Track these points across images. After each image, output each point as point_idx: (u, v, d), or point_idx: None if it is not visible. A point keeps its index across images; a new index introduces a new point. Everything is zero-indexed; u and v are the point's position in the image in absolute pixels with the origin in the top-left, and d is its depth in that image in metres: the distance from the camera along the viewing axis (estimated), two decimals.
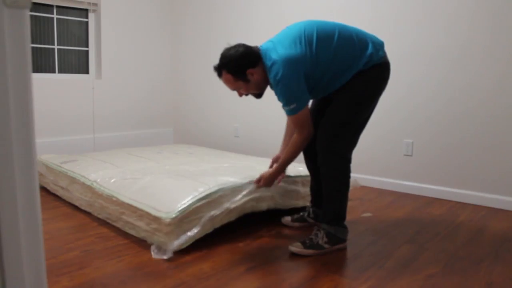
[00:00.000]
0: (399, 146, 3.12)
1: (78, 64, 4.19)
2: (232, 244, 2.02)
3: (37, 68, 3.90)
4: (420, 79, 2.98)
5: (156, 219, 1.93)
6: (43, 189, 2.94)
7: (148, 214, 1.97)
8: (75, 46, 4.13)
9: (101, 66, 4.20)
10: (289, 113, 1.91)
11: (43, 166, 2.93)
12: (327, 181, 1.96)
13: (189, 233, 1.91)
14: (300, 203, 2.42)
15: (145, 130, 4.63)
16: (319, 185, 2.15)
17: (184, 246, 1.89)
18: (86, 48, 4.21)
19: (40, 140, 3.71)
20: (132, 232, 2.09)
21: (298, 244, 1.93)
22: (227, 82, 2.00)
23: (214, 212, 2.00)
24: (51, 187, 2.84)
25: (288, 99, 1.86)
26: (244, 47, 1.95)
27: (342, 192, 1.97)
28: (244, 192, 2.14)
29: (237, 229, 2.19)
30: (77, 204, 2.54)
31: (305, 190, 2.45)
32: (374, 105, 1.99)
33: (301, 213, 2.34)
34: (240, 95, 2.05)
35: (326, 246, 1.93)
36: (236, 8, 4.12)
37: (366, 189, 3.16)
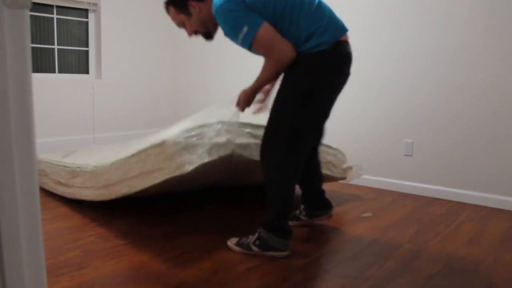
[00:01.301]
0: (399, 146, 3.12)
1: (78, 64, 4.18)
2: None
3: (37, 68, 3.90)
4: (420, 79, 2.98)
5: (161, 144, 1.93)
6: (43, 189, 2.93)
7: (153, 147, 1.97)
8: (75, 46, 4.13)
9: (101, 66, 4.20)
10: (247, 42, 1.69)
11: (43, 165, 2.93)
12: (267, 182, 1.85)
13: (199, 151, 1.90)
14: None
15: (145, 130, 4.63)
16: (308, 181, 2.15)
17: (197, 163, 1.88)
18: (86, 48, 4.21)
19: (40, 140, 3.71)
20: (148, 183, 2.03)
21: (236, 239, 1.94)
22: (172, 17, 1.91)
23: (218, 139, 1.98)
24: (51, 186, 2.84)
25: (235, 26, 1.69)
26: None
27: (278, 197, 1.83)
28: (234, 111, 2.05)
29: (237, 229, 2.19)
30: (80, 197, 2.51)
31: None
32: (320, 102, 1.80)
33: (294, 212, 2.30)
34: (189, 34, 1.92)
35: (254, 249, 1.86)
36: None
37: (366, 189, 3.16)
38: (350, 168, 2.78)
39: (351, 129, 3.34)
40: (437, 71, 2.90)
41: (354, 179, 2.84)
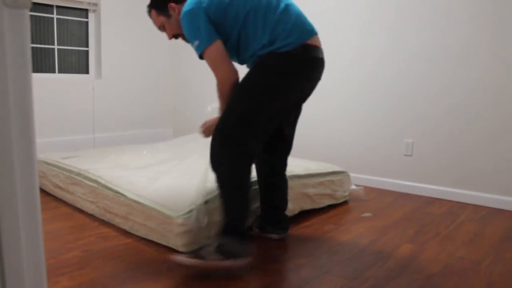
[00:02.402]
0: (399, 146, 3.12)
1: (78, 64, 4.18)
2: None
3: (37, 68, 3.90)
4: (420, 79, 2.98)
5: (167, 218, 1.90)
6: (42, 189, 2.93)
7: (159, 212, 1.94)
8: (75, 46, 4.13)
9: (101, 66, 4.20)
10: (197, 51, 1.73)
11: (41, 166, 2.92)
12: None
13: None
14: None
15: (145, 130, 4.63)
16: (269, 199, 2.03)
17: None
18: (86, 48, 4.20)
19: (40, 140, 3.71)
20: (140, 233, 2.06)
21: (184, 254, 1.71)
22: (153, 21, 1.92)
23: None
24: (51, 189, 2.83)
25: (190, 36, 1.72)
26: None
27: (230, 197, 1.71)
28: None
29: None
30: (81, 208, 2.50)
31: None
32: (280, 104, 1.73)
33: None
34: (169, 36, 1.93)
35: (213, 257, 1.64)
36: None
37: (366, 189, 3.16)
38: (354, 191, 2.80)
39: (351, 129, 3.34)
40: (438, 71, 2.90)
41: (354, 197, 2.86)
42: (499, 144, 2.69)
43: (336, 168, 2.73)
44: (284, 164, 2.06)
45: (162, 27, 1.92)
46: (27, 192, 0.63)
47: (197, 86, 4.61)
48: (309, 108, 3.55)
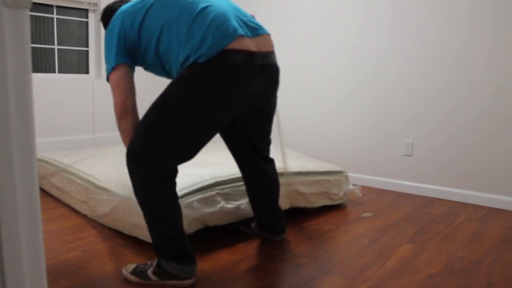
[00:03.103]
0: (399, 146, 3.12)
1: (78, 64, 4.18)
2: (232, 244, 2.02)
3: (37, 68, 3.90)
4: (420, 79, 2.98)
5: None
6: (42, 189, 2.93)
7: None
8: (75, 46, 4.13)
9: (101, 66, 4.20)
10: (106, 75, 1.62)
11: (41, 167, 2.92)
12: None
13: None
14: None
15: None
16: (258, 204, 1.99)
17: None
18: (86, 48, 4.20)
19: (40, 140, 3.71)
20: (126, 230, 2.03)
21: (133, 266, 1.66)
22: None
23: (208, 210, 1.97)
24: (48, 188, 2.83)
25: (104, 56, 1.62)
26: (110, 4, 1.79)
27: (150, 220, 1.57)
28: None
29: (237, 229, 2.19)
30: (76, 208, 2.50)
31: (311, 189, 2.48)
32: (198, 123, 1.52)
33: (251, 220, 2.17)
34: None
35: (153, 278, 1.58)
36: None
37: (366, 189, 3.16)
38: (351, 191, 2.72)
39: (351, 129, 3.34)
40: (438, 71, 2.90)
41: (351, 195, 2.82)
42: (499, 144, 2.69)
43: (333, 168, 2.68)
44: (267, 163, 1.95)
45: None
46: (27, 192, 0.63)
47: None
48: (309, 107, 3.56)
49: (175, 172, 1.56)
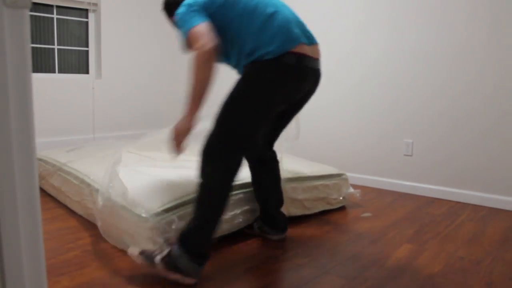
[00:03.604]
0: (399, 146, 3.12)
1: (78, 64, 4.18)
2: (232, 244, 2.02)
3: (37, 68, 3.90)
4: (420, 79, 2.98)
5: (143, 219, 1.78)
6: (42, 189, 2.93)
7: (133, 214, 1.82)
8: (75, 46, 4.13)
9: (101, 66, 4.20)
10: (183, 36, 1.67)
11: (40, 167, 2.91)
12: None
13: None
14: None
15: (145, 130, 4.63)
16: (264, 199, 2.05)
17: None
18: (86, 48, 4.21)
19: (40, 140, 3.71)
20: (114, 238, 1.95)
21: (137, 249, 1.68)
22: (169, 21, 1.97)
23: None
24: (46, 188, 2.83)
25: (181, 25, 1.68)
26: None
27: (203, 211, 1.62)
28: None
29: (238, 230, 2.19)
30: (71, 208, 2.50)
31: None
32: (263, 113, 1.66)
33: (253, 220, 2.19)
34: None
35: (159, 264, 1.58)
36: None
37: (366, 189, 3.16)
38: (351, 194, 2.66)
39: (351, 128, 3.34)
40: (438, 71, 2.90)
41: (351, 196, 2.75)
42: (499, 144, 2.69)
43: (331, 171, 2.59)
44: (272, 156, 2.05)
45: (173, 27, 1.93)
46: (27, 192, 0.63)
47: None
48: (309, 107, 3.56)
49: (240, 166, 1.67)
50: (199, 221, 1.61)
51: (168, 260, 1.57)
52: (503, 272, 1.75)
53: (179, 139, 1.69)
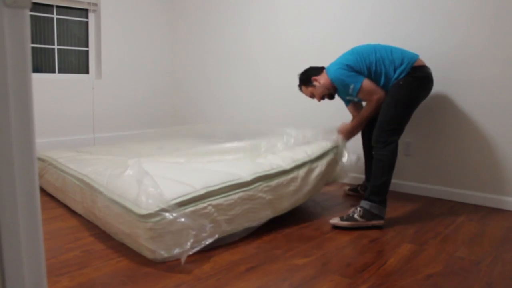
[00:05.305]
0: (399, 146, 3.11)
1: (78, 64, 4.19)
2: (232, 244, 2.02)
3: (37, 68, 3.90)
4: None
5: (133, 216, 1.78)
6: (42, 189, 2.93)
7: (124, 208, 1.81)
8: (75, 46, 4.13)
9: (101, 66, 4.21)
10: (354, 94, 2.50)
11: (40, 165, 2.91)
12: (375, 162, 2.37)
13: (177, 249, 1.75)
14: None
15: (145, 130, 4.63)
16: (371, 167, 2.51)
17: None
18: (86, 48, 4.21)
19: (40, 140, 3.71)
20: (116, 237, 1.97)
21: (337, 218, 2.28)
22: (304, 92, 2.78)
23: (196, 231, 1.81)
24: (46, 187, 2.83)
25: (347, 83, 2.49)
26: (309, 67, 2.77)
27: (384, 172, 2.32)
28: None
29: None
30: (72, 209, 2.50)
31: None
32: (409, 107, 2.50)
33: (357, 186, 3.00)
34: (318, 99, 2.75)
35: (360, 219, 2.23)
36: (236, 8, 4.12)
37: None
38: (348, 162, 2.65)
39: None
40: (438, 71, 2.90)
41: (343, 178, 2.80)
42: (499, 144, 2.69)
43: (324, 148, 2.51)
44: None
45: (312, 95, 2.75)
46: (27, 192, 0.63)
47: (197, 86, 4.61)
48: (308, 107, 3.56)
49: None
50: (387, 177, 2.32)
51: (364, 213, 2.25)
52: (503, 272, 1.75)
53: (347, 136, 2.66)
